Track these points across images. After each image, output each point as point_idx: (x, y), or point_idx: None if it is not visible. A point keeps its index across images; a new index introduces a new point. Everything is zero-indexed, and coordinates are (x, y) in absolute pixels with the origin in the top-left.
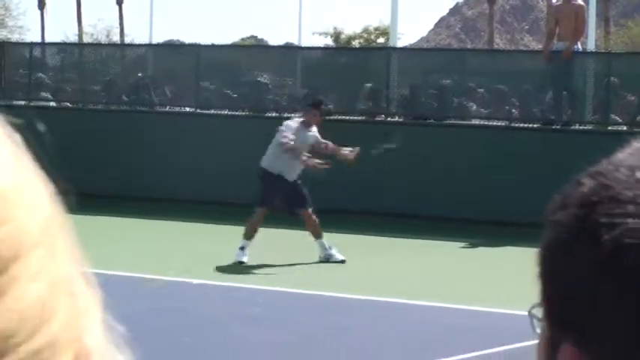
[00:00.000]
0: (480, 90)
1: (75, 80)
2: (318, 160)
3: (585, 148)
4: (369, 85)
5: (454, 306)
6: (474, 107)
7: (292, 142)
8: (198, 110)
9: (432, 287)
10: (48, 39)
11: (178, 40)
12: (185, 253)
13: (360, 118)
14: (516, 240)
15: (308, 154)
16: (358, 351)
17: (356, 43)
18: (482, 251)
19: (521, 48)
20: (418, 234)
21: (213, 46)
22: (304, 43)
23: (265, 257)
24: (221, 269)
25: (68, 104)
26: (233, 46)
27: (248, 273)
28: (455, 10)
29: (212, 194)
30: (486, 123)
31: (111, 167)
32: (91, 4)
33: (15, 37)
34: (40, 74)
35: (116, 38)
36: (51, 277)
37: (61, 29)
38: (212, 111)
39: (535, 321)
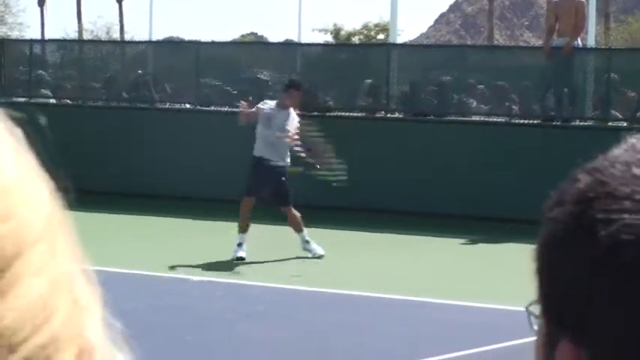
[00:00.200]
0: (480, 86)
1: (75, 77)
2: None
3: (585, 145)
4: (369, 81)
5: (455, 302)
6: (474, 104)
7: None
8: (198, 107)
9: (433, 284)
10: (48, 36)
11: (178, 37)
12: (186, 250)
13: (359, 114)
14: (517, 236)
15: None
16: (362, 348)
17: (356, 40)
18: (483, 247)
19: (521, 44)
20: (418, 231)
21: (213, 42)
22: (304, 40)
23: (268, 254)
24: (223, 266)
25: (68, 101)
26: (233, 43)
27: (250, 270)
28: (455, 7)
29: (212, 191)
30: (486, 119)
31: (111, 164)
32: (91, 1)
33: (15, 34)
34: (40, 71)
35: (116, 35)
36: (52, 273)
37: (60, 26)
38: (212, 108)
39: (532, 318)
